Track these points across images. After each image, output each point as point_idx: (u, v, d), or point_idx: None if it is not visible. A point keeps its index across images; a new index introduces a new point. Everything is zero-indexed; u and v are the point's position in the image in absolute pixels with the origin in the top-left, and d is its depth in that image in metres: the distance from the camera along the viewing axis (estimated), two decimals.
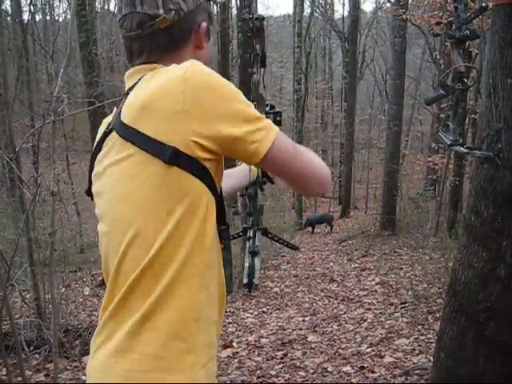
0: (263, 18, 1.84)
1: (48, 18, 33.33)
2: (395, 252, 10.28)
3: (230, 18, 14.28)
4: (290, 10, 23.90)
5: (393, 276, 7.95)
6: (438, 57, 11.62)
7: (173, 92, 1.05)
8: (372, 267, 9.08)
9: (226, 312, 5.04)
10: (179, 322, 1.08)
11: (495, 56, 2.09)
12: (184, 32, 1.20)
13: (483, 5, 1.51)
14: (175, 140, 1.04)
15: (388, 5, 24.12)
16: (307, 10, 25.66)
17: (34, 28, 25.62)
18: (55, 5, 25.55)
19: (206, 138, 1.05)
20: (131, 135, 1.08)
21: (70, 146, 20.36)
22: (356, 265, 9.65)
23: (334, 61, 33.36)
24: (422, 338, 4.75)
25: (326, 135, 30.54)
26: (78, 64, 16.62)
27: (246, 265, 1.88)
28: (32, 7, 21.29)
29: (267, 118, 1.97)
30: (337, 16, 31.41)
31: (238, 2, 7.77)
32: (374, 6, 33.51)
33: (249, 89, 1.76)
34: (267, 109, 1.86)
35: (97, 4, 27.65)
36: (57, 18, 35.43)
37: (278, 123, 1.89)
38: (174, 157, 1.04)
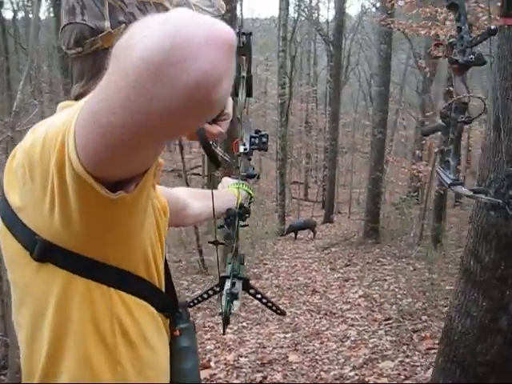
0: (250, 34, 1.58)
1: (30, 15, 32.80)
2: (379, 261, 10.13)
3: None
4: (276, 13, 23.72)
5: (376, 288, 7.77)
6: (423, 65, 11.48)
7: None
8: (355, 278, 8.91)
9: (204, 327, 4.78)
10: None
11: (502, 84, 1.90)
12: None
13: (492, 27, 1.31)
14: None
15: (373, 9, 24.11)
16: (293, 14, 25.56)
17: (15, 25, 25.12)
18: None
19: None
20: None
21: None
22: (339, 274, 9.47)
23: (318, 64, 33.25)
24: (407, 360, 4.57)
25: (310, 139, 30.36)
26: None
27: (221, 310, 1.64)
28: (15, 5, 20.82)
29: (252, 141, 1.79)
30: (322, 20, 31.27)
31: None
32: (360, 10, 33.47)
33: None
34: (252, 133, 1.70)
35: None
36: (41, 16, 34.83)
37: (263, 146, 1.72)
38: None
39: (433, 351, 4.71)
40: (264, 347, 5.42)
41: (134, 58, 0.57)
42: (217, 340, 5.77)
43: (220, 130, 1.00)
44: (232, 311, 1.55)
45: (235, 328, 6.25)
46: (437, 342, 4.90)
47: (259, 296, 1.70)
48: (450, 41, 1.50)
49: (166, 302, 1.00)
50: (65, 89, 10.69)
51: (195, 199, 1.49)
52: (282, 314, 1.85)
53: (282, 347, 5.39)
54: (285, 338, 5.72)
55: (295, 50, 25.46)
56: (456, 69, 1.44)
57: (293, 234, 15.27)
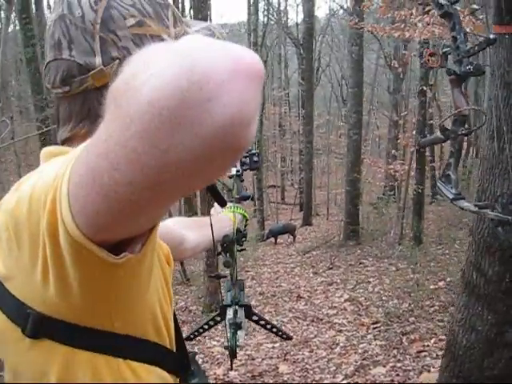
0: None
1: None
2: (361, 263, 10.12)
3: None
4: (245, 18, 23.69)
5: (361, 291, 7.75)
6: (396, 65, 11.56)
7: None
8: (339, 281, 8.88)
9: (191, 341, 4.70)
10: None
11: (498, 93, 1.86)
12: None
13: (491, 36, 1.27)
14: None
15: (341, 11, 24.27)
16: (262, 18, 25.58)
17: None
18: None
19: None
20: None
21: (23, 162, 19.57)
22: (322, 278, 9.43)
23: (289, 67, 33.36)
24: (398, 365, 4.54)
25: (284, 142, 30.43)
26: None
27: (227, 344, 1.55)
28: None
29: (243, 161, 1.72)
30: (291, 23, 31.40)
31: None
32: (328, 12, 33.68)
33: None
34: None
35: (47, 13, 26.79)
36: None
37: (255, 165, 1.66)
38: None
39: (423, 354, 4.70)
40: (253, 359, 5.34)
41: (142, 102, 0.47)
42: (205, 354, 5.68)
43: None
44: (238, 343, 1.47)
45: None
46: (426, 344, 4.90)
47: (263, 322, 1.64)
48: (444, 50, 1.45)
49: (178, 362, 0.92)
50: (35, 105, 10.46)
51: (189, 230, 1.39)
52: (289, 338, 1.79)
53: (271, 358, 5.32)
54: (273, 347, 5.65)
55: (266, 54, 25.46)
56: (454, 80, 1.39)
57: (273, 239, 15.22)
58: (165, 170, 0.49)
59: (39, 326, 0.70)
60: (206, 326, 1.66)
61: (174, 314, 0.96)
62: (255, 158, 1.66)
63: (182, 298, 8.41)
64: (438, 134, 1.45)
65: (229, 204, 1.63)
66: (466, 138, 1.44)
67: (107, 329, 0.71)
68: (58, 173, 0.61)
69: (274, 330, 1.70)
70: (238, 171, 1.63)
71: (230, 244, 1.50)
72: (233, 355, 1.50)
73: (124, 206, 0.52)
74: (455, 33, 1.38)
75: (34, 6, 12.19)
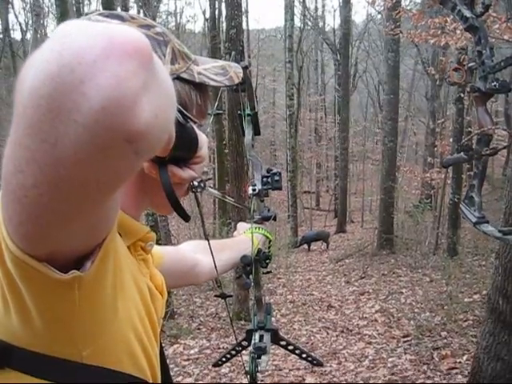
0: (246, 67, 1.46)
1: (39, 36, 33.11)
2: (394, 273, 9.96)
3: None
4: (281, 23, 23.76)
5: (393, 302, 7.62)
6: (433, 72, 11.36)
7: None
8: (371, 291, 8.76)
9: (219, 348, 4.66)
10: None
11: None
12: None
13: None
14: None
15: (379, 16, 24.02)
16: (299, 24, 25.55)
17: (25, 46, 25.34)
18: (45, 23, 25.20)
19: None
20: None
21: None
22: (354, 288, 9.31)
23: (326, 73, 33.20)
24: (428, 382, 4.42)
25: (320, 148, 30.28)
26: None
27: (247, 369, 1.51)
28: (24, 26, 21.04)
29: (265, 181, 1.68)
30: (327, 28, 31.27)
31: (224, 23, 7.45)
32: (365, 17, 33.43)
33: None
34: (264, 172, 1.60)
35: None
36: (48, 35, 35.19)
37: (277, 184, 1.62)
38: None
39: (455, 371, 4.56)
40: (280, 369, 5.29)
41: (24, 95, 0.45)
42: (231, 363, 5.65)
43: (193, 174, 0.81)
44: (259, 368, 1.44)
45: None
46: (458, 360, 4.76)
47: (291, 347, 1.60)
48: (470, 65, 1.39)
49: None
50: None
51: (207, 253, 1.35)
52: (319, 364, 1.73)
53: (298, 369, 5.26)
54: None
55: (302, 60, 25.42)
56: (478, 97, 1.33)
57: (306, 246, 15.13)
58: (60, 166, 0.46)
59: (2, 356, 0.66)
60: (234, 352, 1.63)
61: (163, 354, 0.91)
62: (276, 178, 1.61)
63: (213, 303, 8.41)
64: (461, 153, 1.40)
65: (250, 225, 1.58)
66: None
67: (75, 358, 0.67)
68: None
69: (304, 355, 1.65)
70: (254, 190, 1.58)
71: (252, 266, 1.45)
72: (253, 382, 1.46)
73: (39, 210, 0.49)
74: (480, 47, 1.32)
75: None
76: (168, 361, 1.08)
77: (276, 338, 1.56)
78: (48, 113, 0.44)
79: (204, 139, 0.81)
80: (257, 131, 1.59)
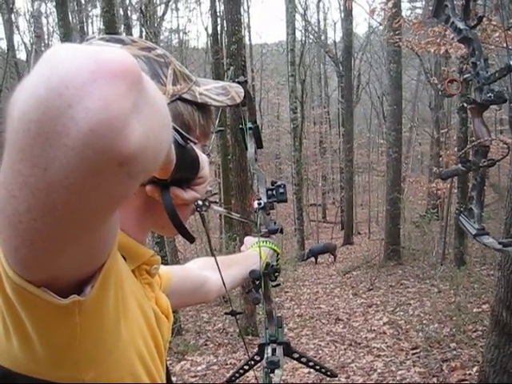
0: (245, 82, 1.46)
1: None
2: (402, 284, 9.90)
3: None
4: (283, 37, 23.86)
5: (401, 314, 7.56)
6: (435, 81, 11.38)
7: None
8: (379, 302, 8.70)
9: (226, 364, 4.63)
10: None
11: None
12: None
13: None
14: None
15: (381, 28, 24.12)
16: (300, 37, 25.67)
17: (29, 67, 25.59)
18: (50, 43, 25.42)
19: None
20: None
21: None
22: (362, 300, 9.25)
23: (329, 86, 33.31)
24: None
25: (325, 161, 30.29)
26: None
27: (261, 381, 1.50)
28: (29, 46, 21.23)
29: (269, 194, 1.68)
30: (330, 41, 31.41)
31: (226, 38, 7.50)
32: (367, 29, 33.58)
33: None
34: (268, 185, 1.61)
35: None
36: None
37: (281, 197, 1.62)
38: None
39: (464, 383, 4.50)
40: None
41: (14, 119, 0.45)
42: (243, 378, 5.61)
43: (195, 195, 0.80)
44: (274, 382, 1.43)
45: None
46: (468, 372, 4.70)
47: (304, 359, 1.59)
48: (465, 76, 1.39)
49: None
50: None
51: (215, 270, 1.34)
52: (334, 376, 1.72)
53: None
54: (309, 372, 5.53)
55: (305, 73, 25.50)
56: (474, 109, 1.33)
57: (313, 259, 15.08)
58: (52, 191, 0.45)
59: (3, 383, 0.65)
60: (247, 367, 1.62)
61: (169, 378, 0.90)
62: (281, 190, 1.62)
63: (220, 319, 8.37)
64: (459, 165, 1.39)
65: (257, 239, 1.58)
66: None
67: (77, 382, 0.65)
68: None
69: (317, 367, 1.64)
70: (259, 204, 1.58)
71: (261, 280, 1.45)
72: None
73: (34, 236, 0.49)
74: (475, 58, 1.31)
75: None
76: (175, 378, 1.06)
77: (288, 351, 1.55)
78: (38, 137, 0.44)
79: (205, 159, 0.80)
80: (259, 144, 1.59)
